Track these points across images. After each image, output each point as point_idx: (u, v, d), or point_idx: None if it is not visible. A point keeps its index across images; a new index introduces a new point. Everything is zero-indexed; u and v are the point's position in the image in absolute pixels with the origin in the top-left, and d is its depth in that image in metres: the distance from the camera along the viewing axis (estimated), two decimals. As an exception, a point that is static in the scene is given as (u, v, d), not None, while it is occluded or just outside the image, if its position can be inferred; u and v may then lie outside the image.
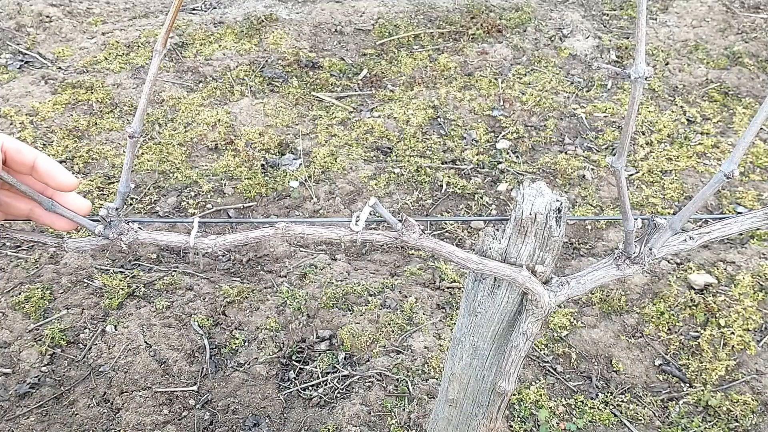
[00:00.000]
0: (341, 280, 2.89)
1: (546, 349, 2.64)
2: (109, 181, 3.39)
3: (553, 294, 1.14)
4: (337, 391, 2.46)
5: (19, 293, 2.78)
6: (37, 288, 2.79)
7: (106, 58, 4.39)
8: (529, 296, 1.15)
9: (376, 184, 3.44)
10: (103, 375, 2.51)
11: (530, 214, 1.10)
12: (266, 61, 4.41)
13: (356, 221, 1.13)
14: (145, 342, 2.60)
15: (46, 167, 0.93)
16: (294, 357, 2.59)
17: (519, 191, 1.12)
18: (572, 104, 4.11)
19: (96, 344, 2.60)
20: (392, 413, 2.36)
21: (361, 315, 2.71)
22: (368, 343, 2.61)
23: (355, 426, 2.32)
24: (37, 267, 2.91)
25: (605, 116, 4.01)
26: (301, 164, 3.58)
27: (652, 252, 1.13)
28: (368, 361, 2.56)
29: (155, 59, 0.91)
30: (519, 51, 4.58)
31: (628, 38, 4.76)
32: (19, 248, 3.01)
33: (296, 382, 2.51)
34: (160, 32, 0.79)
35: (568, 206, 1.12)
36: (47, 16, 4.76)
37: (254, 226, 1.14)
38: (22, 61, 4.40)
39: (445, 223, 3.22)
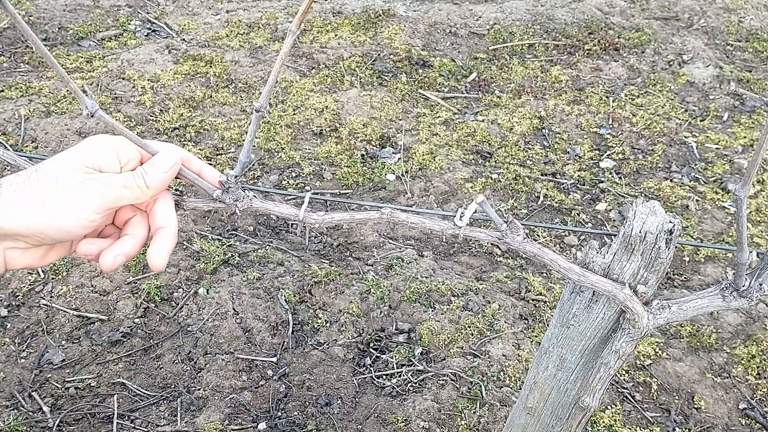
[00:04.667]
0: (426, 277, 2.91)
1: (626, 375, 2.58)
2: (218, 153, 3.53)
3: (653, 316, 1.12)
4: (410, 384, 2.49)
5: (124, 247, 2.93)
6: (140, 244, 2.94)
7: (227, 35, 4.57)
8: (627, 315, 1.14)
9: (472, 188, 3.45)
10: (190, 334, 2.62)
11: (640, 233, 1.09)
12: (378, 54, 4.48)
13: (461, 216, 1.15)
14: (234, 309, 2.70)
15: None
16: (372, 344, 2.63)
17: (632, 208, 1.11)
18: (684, 132, 3.98)
19: (187, 304, 2.73)
20: (462, 414, 2.37)
21: (442, 314, 2.73)
22: (446, 343, 2.63)
23: (425, 421, 2.34)
24: (143, 224, 3.06)
25: (717, 148, 3.87)
26: (399, 159, 3.62)
27: (762, 288, 1.10)
28: (444, 360, 2.58)
29: (288, 39, 0.95)
30: (634, 72, 4.47)
31: (750, 71, 4.56)
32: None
33: (371, 369, 2.56)
34: (297, 13, 0.83)
35: (680, 229, 1.11)
36: (178, -10, 4.99)
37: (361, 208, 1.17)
38: (150, 29, 4.63)
39: (538, 235, 3.19)
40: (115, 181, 0.86)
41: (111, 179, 0.86)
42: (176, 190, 3.28)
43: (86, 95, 0.85)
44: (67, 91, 3.85)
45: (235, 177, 1.05)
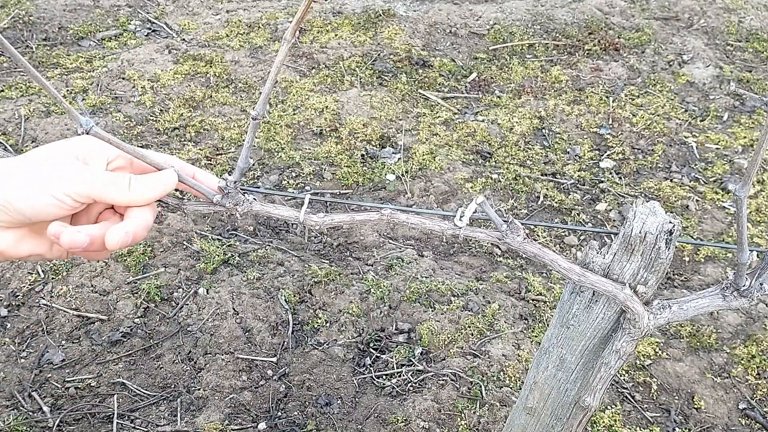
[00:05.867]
0: (426, 277, 2.91)
1: (626, 375, 2.58)
2: (218, 153, 3.53)
3: (653, 316, 1.12)
4: (410, 384, 2.49)
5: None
6: (140, 244, 2.94)
7: (228, 35, 4.57)
8: (627, 315, 1.14)
9: (471, 188, 3.45)
10: (190, 334, 2.62)
11: (640, 233, 1.09)
12: (378, 54, 4.48)
13: (461, 217, 1.14)
14: (233, 309, 2.70)
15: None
16: (372, 344, 2.63)
17: (632, 208, 1.11)
18: (684, 132, 3.98)
19: (187, 304, 2.73)
20: (462, 414, 2.37)
21: (442, 314, 2.73)
22: (446, 343, 2.63)
23: (424, 421, 2.34)
24: (143, 224, 3.06)
25: (717, 148, 3.87)
26: (399, 159, 3.62)
27: (762, 287, 1.10)
28: (444, 359, 2.58)
29: (283, 47, 0.95)
30: (634, 72, 4.47)
31: (750, 71, 4.56)
32: (128, 204, 3.18)
33: (371, 369, 2.56)
34: (292, 22, 0.83)
35: (680, 230, 1.10)
36: (178, -11, 4.99)
37: (361, 209, 1.17)
38: (150, 29, 4.63)
39: (538, 235, 3.20)
40: (95, 175, 0.88)
41: (91, 170, 0.89)
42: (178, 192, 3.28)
43: (80, 113, 0.85)
44: (68, 90, 3.86)
45: (234, 182, 1.06)
